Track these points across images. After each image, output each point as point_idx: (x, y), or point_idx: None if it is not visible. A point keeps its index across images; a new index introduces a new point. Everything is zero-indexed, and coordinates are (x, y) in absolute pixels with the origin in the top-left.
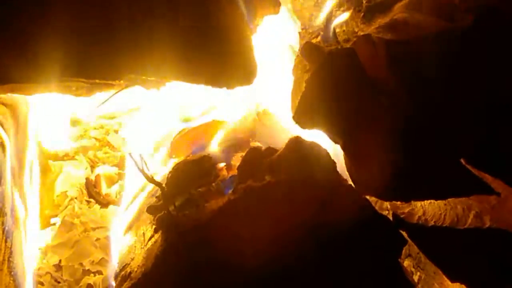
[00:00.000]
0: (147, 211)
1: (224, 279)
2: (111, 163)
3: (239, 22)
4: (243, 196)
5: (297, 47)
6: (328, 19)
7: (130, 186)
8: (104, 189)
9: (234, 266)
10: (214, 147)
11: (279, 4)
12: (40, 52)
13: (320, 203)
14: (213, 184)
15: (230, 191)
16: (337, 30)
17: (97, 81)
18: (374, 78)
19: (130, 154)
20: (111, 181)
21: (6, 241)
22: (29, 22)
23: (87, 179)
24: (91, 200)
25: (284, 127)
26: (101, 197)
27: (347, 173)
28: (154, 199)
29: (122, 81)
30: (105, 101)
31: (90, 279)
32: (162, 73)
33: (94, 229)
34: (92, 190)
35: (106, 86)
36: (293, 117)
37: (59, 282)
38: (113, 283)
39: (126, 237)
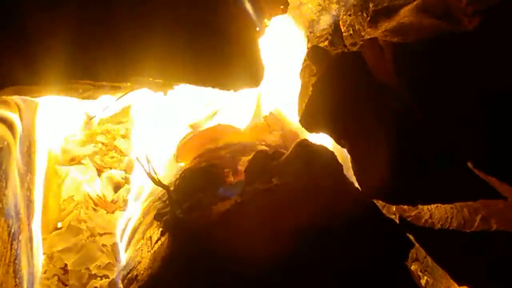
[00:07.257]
0: (154, 218)
1: (230, 279)
2: (118, 167)
3: (246, 22)
4: (250, 198)
5: (304, 50)
6: (336, 23)
7: (136, 190)
8: (110, 195)
9: (241, 266)
10: (220, 152)
11: (287, 4)
12: (46, 54)
13: (326, 206)
14: (221, 189)
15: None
16: (344, 34)
17: (103, 83)
18: (381, 82)
19: (137, 158)
20: (118, 186)
21: (12, 244)
22: (34, 24)
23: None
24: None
25: (291, 130)
26: (107, 206)
27: (354, 176)
28: (161, 203)
29: (129, 84)
30: (113, 102)
31: (97, 283)
32: (168, 75)
33: (101, 234)
34: (97, 201)
35: (113, 88)
36: (300, 121)
37: (66, 285)
38: (120, 286)
39: (133, 241)
